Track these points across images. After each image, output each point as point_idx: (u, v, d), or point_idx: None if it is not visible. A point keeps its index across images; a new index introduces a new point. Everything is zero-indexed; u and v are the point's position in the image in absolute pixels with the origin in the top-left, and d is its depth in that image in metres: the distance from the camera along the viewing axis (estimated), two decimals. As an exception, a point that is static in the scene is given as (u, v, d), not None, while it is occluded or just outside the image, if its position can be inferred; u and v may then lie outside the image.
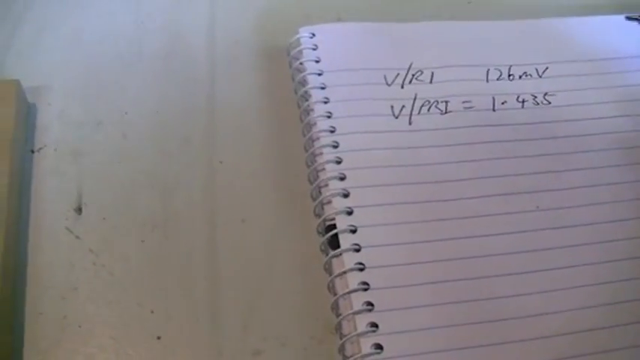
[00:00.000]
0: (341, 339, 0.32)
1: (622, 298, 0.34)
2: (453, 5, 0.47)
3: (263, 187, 0.38)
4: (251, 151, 0.39)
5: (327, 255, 0.35)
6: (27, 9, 0.43)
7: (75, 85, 0.41)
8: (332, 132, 0.37)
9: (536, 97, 0.41)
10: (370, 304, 0.32)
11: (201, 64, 0.42)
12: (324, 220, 0.35)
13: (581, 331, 0.33)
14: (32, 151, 0.38)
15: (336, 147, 0.37)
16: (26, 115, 0.39)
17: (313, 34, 0.41)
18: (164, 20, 0.44)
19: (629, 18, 0.44)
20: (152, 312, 0.34)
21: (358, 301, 0.33)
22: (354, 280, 0.33)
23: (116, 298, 0.34)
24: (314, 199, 0.36)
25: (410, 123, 0.39)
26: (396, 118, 0.39)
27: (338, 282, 0.34)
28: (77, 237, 0.36)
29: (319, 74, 0.40)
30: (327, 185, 0.36)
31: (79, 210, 0.36)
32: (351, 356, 0.32)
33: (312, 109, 0.38)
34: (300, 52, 0.41)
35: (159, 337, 0.33)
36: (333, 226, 0.35)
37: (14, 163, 0.36)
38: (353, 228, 0.34)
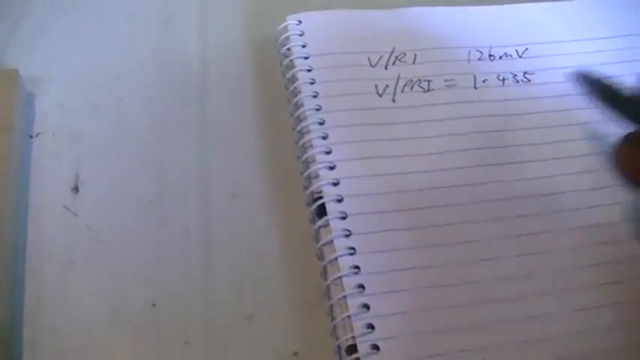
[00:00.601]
0: (329, 301, 0.33)
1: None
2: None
3: (254, 164, 0.39)
4: (242, 132, 0.40)
5: (314, 224, 0.36)
6: (27, 4, 0.45)
7: (72, 75, 0.42)
8: (318, 110, 0.39)
9: (516, 75, 0.42)
10: (357, 267, 0.34)
11: (194, 52, 0.44)
12: (312, 193, 0.37)
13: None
14: (31, 136, 0.40)
15: (322, 124, 0.38)
16: (25, 103, 0.40)
17: (300, 22, 0.43)
18: (157, 12, 0.45)
19: None
20: (148, 282, 0.35)
21: (345, 264, 0.34)
22: (341, 245, 0.34)
23: (113, 269, 0.35)
24: (302, 174, 0.38)
25: (394, 101, 0.40)
26: (380, 96, 0.40)
27: (326, 249, 0.35)
28: (75, 214, 0.37)
29: (306, 58, 0.41)
30: (314, 160, 0.37)
31: (76, 189, 0.38)
32: (339, 317, 0.33)
33: (300, 91, 0.40)
34: (288, 38, 0.42)
35: (154, 305, 0.34)
36: (321, 199, 0.36)
37: (13, 147, 0.37)
38: (339, 197, 0.36)
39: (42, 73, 0.42)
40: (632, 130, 0.31)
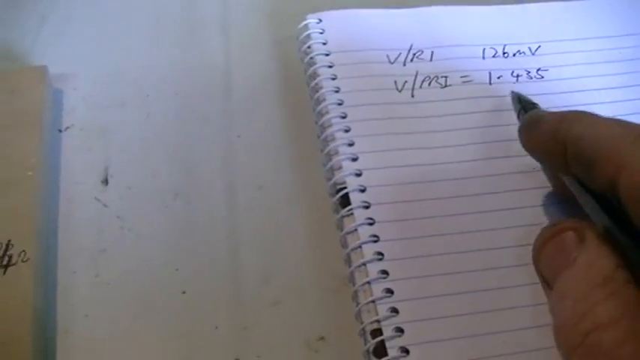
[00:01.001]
0: (354, 287, 0.35)
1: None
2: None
3: (278, 157, 0.40)
4: (266, 126, 0.42)
5: (338, 214, 0.37)
6: (54, 1, 0.46)
7: (98, 72, 0.43)
8: (340, 104, 0.40)
9: (529, 72, 0.43)
10: (380, 253, 0.35)
11: (217, 51, 0.45)
12: (336, 183, 0.38)
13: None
14: (60, 131, 0.41)
15: (344, 118, 0.40)
16: (53, 99, 0.42)
17: (320, 20, 0.44)
18: (180, 11, 0.47)
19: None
20: (177, 270, 0.36)
21: (369, 251, 0.35)
22: (364, 233, 0.35)
23: (143, 258, 0.37)
24: (325, 165, 0.39)
25: (412, 96, 0.41)
26: (400, 92, 0.41)
27: (349, 237, 0.36)
28: (105, 205, 0.38)
29: (326, 55, 0.42)
30: (337, 152, 0.39)
31: (105, 181, 0.39)
32: (363, 301, 0.34)
33: (321, 86, 0.41)
34: (308, 36, 0.43)
35: (184, 292, 0.36)
36: (345, 189, 0.37)
37: (43, 141, 0.39)
38: (362, 187, 0.37)
39: (69, 70, 0.43)
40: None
